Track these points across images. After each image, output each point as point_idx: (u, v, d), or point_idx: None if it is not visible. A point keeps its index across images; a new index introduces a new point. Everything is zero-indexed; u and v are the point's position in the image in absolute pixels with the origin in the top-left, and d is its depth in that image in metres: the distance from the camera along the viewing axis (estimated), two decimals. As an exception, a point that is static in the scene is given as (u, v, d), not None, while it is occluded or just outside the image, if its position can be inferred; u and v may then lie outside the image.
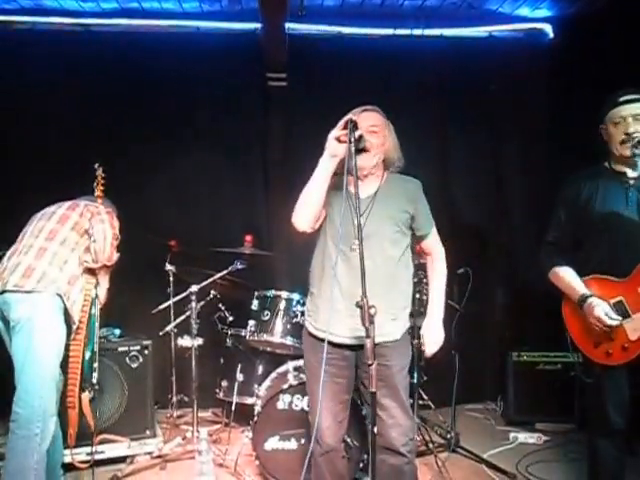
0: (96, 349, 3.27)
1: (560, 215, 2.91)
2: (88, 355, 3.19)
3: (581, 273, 2.82)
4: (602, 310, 2.69)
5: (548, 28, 5.05)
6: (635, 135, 2.67)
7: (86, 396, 3.21)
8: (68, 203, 3.31)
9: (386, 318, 2.61)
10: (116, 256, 3.23)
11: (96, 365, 3.26)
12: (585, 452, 2.97)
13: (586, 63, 4.53)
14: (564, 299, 2.90)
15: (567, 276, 2.86)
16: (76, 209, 3.25)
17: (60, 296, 2.98)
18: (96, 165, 3.38)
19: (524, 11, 4.92)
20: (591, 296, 2.74)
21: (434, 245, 2.87)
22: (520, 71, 4.98)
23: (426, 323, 2.84)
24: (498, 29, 5.09)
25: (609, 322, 2.65)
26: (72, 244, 3.14)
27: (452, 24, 5.02)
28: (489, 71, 5.05)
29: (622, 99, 2.73)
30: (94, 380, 3.24)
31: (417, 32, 5.00)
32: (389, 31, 5.03)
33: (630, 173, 2.75)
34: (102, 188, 3.43)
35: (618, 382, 2.70)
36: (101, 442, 3.66)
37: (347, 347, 2.67)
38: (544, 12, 4.94)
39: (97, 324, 3.26)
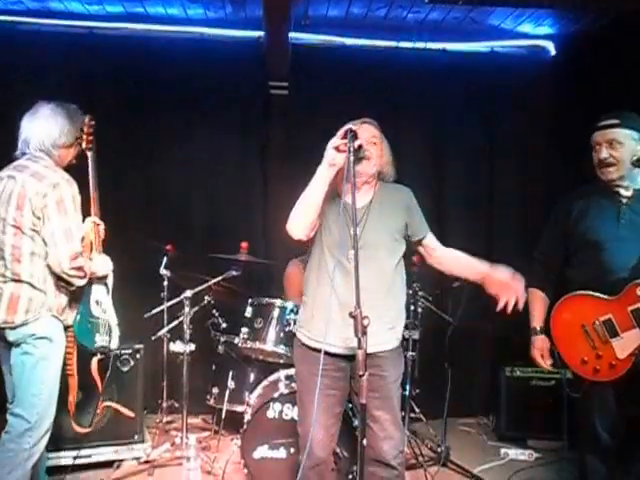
0: (109, 314, 3.12)
1: (550, 232, 2.96)
2: (78, 318, 2.92)
3: (570, 290, 2.82)
4: (538, 353, 2.89)
5: (550, 45, 5.09)
6: (607, 161, 2.73)
7: (95, 360, 3.07)
8: (14, 201, 2.78)
9: (383, 327, 2.61)
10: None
11: (114, 332, 3.11)
12: (576, 470, 2.95)
13: (587, 81, 4.55)
14: (551, 315, 2.90)
15: (533, 301, 2.95)
16: (24, 207, 2.76)
17: (55, 317, 2.83)
18: (86, 118, 3.04)
19: (526, 27, 4.94)
20: (538, 333, 2.90)
21: (435, 240, 2.86)
22: (521, 87, 4.98)
23: (490, 275, 2.68)
24: (500, 44, 5.11)
25: (540, 363, 2.88)
26: (42, 253, 2.79)
27: (454, 38, 5.05)
28: (490, 86, 5.06)
29: (599, 124, 2.78)
30: (104, 343, 3.03)
31: (420, 45, 5.04)
32: (392, 43, 5.06)
33: (624, 192, 2.76)
34: (90, 139, 3.01)
35: (605, 398, 2.70)
36: (105, 413, 3.60)
37: (342, 357, 2.64)
38: (546, 29, 4.96)
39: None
